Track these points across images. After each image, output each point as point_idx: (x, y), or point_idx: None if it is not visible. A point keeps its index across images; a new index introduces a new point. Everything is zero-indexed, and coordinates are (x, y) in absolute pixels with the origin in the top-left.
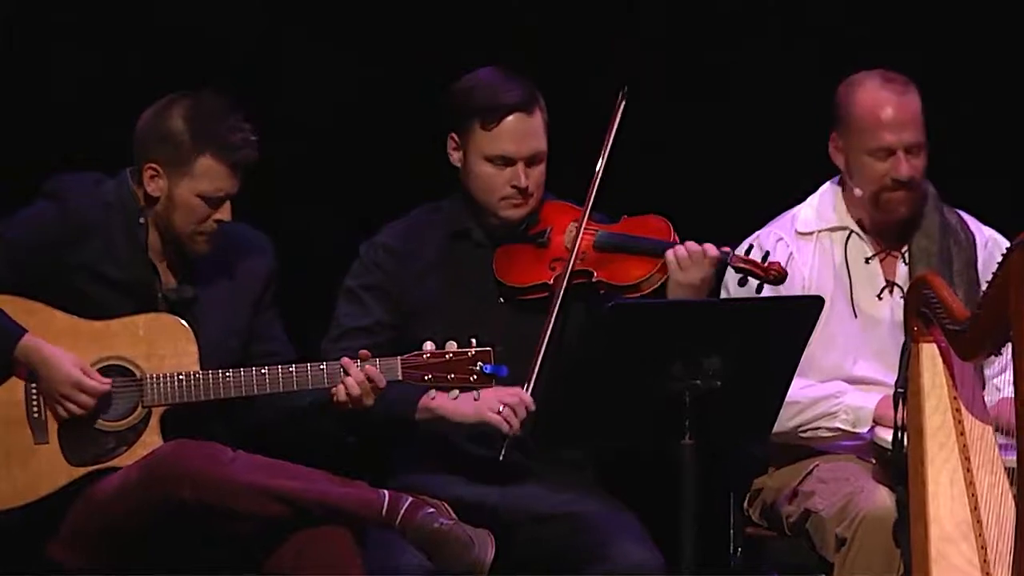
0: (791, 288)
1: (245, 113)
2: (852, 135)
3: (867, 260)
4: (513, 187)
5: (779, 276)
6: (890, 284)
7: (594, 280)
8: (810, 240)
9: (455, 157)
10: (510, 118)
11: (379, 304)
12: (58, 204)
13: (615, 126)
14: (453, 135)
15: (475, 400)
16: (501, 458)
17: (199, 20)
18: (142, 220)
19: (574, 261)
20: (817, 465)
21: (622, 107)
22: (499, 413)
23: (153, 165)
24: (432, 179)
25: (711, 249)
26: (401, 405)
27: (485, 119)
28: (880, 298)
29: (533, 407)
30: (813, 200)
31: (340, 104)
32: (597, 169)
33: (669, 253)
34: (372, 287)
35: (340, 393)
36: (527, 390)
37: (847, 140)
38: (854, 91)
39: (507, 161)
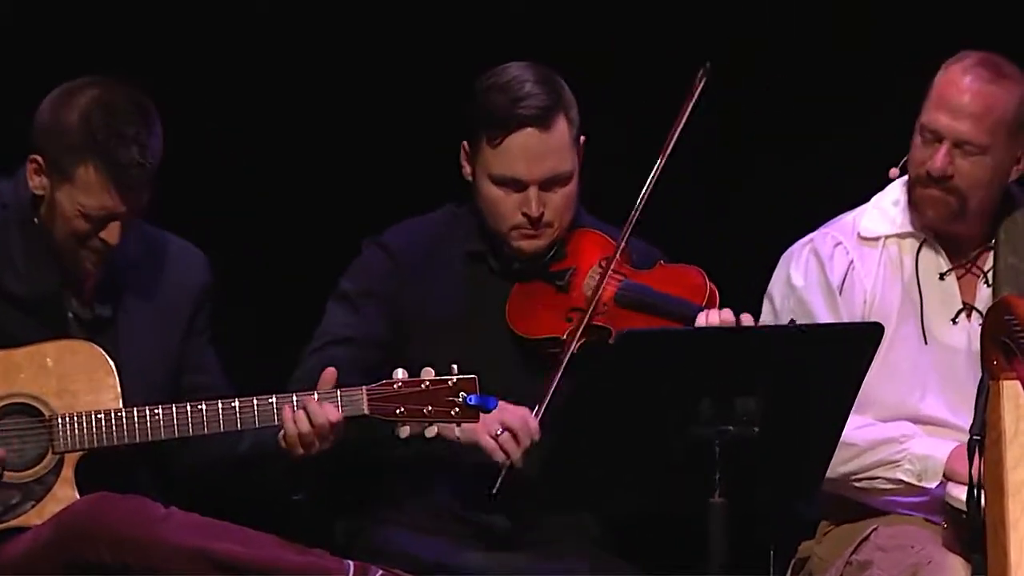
0: (851, 304)
1: (161, 115)
2: (921, 108)
3: (941, 276)
4: (524, 215)
5: None
6: (968, 307)
7: (611, 341)
8: (875, 247)
9: (466, 170)
10: (519, 134)
11: (376, 315)
12: None
13: (686, 114)
14: (464, 144)
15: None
16: (494, 491)
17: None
18: (36, 220)
19: (589, 316)
20: (875, 529)
21: (699, 89)
22: (496, 437)
23: (37, 158)
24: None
25: (746, 319)
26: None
27: (491, 133)
28: (955, 322)
29: (539, 436)
30: (879, 200)
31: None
32: (641, 195)
33: (701, 317)
34: (372, 294)
35: (288, 433)
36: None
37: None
38: (945, 65)
39: (517, 185)
